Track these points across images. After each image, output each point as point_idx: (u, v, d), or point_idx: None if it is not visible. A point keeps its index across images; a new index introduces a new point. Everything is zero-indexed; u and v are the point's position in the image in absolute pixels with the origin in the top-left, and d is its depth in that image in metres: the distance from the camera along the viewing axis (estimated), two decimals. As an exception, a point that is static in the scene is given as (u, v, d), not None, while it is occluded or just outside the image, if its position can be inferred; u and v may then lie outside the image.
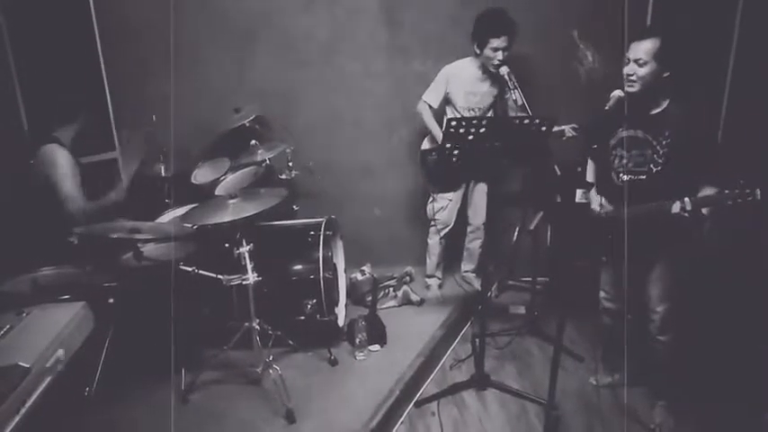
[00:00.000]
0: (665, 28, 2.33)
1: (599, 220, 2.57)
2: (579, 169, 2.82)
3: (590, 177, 2.73)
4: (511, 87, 3.01)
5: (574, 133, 3.14)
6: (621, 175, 2.47)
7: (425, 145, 3.62)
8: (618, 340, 2.84)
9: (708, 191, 2.23)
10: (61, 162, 2.79)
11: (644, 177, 2.40)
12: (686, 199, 2.22)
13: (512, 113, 3.36)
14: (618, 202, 2.47)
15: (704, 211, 2.25)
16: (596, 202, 2.60)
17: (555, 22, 3.74)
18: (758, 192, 2.08)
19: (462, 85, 3.39)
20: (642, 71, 2.28)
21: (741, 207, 2.11)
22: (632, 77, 2.31)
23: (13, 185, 2.95)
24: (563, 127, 3.13)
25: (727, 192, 2.14)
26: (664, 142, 2.32)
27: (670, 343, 2.53)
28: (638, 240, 2.39)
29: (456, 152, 2.47)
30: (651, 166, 2.37)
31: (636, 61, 2.29)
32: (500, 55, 3.17)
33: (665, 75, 2.29)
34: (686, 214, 2.23)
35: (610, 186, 2.54)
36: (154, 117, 3.43)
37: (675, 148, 2.31)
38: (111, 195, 2.98)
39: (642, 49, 2.27)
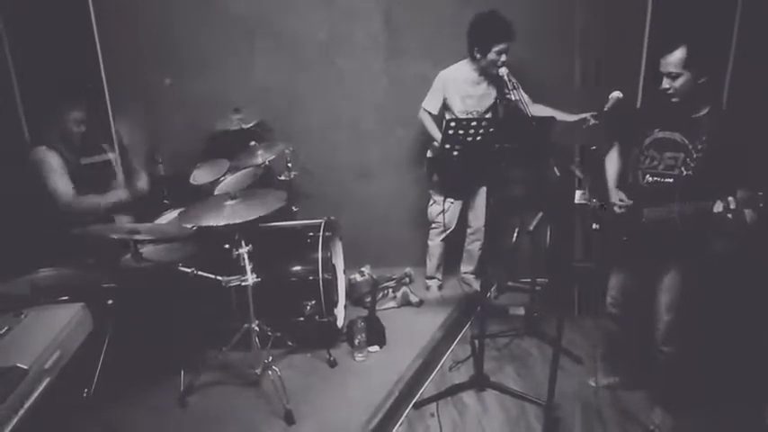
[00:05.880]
0: (690, 34, 2.28)
1: (616, 220, 2.53)
2: (577, 159, 2.80)
3: (610, 175, 2.66)
4: (510, 88, 3.01)
5: (595, 121, 3.09)
6: (648, 176, 2.45)
7: (430, 153, 3.62)
8: (620, 344, 2.84)
9: (740, 194, 2.17)
10: (50, 160, 2.86)
11: (671, 180, 2.38)
12: (729, 198, 2.16)
13: (513, 114, 3.35)
14: (639, 205, 2.45)
15: (747, 213, 2.16)
16: (615, 197, 2.54)
17: (552, 21, 3.75)
18: None
19: (459, 89, 3.38)
20: (677, 83, 2.26)
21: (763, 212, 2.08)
22: (670, 92, 2.30)
23: (12, 187, 2.95)
24: (584, 115, 3.11)
25: (761, 194, 2.08)
26: (699, 146, 2.30)
27: (673, 354, 2.52)
28: (654, 245, 2.38)
29: (455, 152, 2.47)
30: (683, 168, 2.35)
31: (668, 75, 2.27)
32: (503, 57, 3.16)
33: (702, 80, 2.25)
34: (730, 215, 2.17)
35: (633, 186, 2.50)
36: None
37: (710, 152, 2.28)
38: (119, 192, 3.11)
39: (672, 61, 2.25)
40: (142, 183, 3.26)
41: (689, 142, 2.33)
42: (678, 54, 2.24)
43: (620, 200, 2.52)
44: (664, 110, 2.40)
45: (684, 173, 2.34)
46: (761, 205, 2.10)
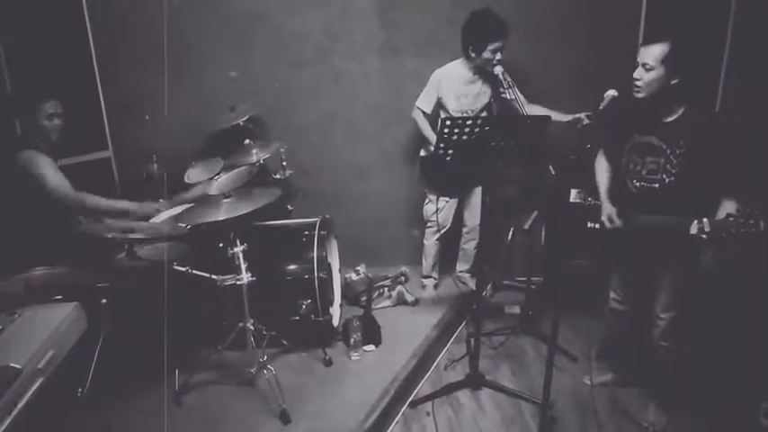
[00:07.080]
0: (677, 33, 2.25)
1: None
2: (573, 158, 2.79)
3: (601, 181, 2.62)
4: (506, 87, 3.01)
5: (589, 121, 3.08)
6: (634, 181, 2.42)
7: (423, 152, 3.62)
8: (621, 341, 2.84)
9: (728, 206, 2.14)
10: (41, 162, 2.76)
11: (656, 186, 2.34)
12: (705, 220, 2.14)
13: (508, 113, 3.35)
14: (630, 211, 2.42)
15: (724, 234, 2.14)
16: (606, 213, 2.50)
17: (548, 19, 3.75)
18: (761, 223, 2.03)
19: (453, 88, 3.38)
20: (648, 76, 2.23)
21: (744, 236, 2.06)
22: (638, 82, 2.27)
23: (4, 185, 2.92)
24: (578, 115, 3.11)
25: (731, 219, 2.08)
26: (678, 152, 2.26)
27: (671, 348, 2.53)
28: (650, 248, 2.37)
29: (450, 151, 2.47)
30: (664, 175, 2.31)
31: (643, 65, 2.24)
32: (499, 55, 3.16)
33: (674, 81, 2.22)
34: (704, 236, 2.15)
35: (623, 191, 2.48)
36: (147, 117, 3.42)
37: (690, 159, 2.24)
38: (125, 203, 2.98)
39: (650, 53, 2.22)
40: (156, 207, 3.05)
41: (666, 147, 2.29)
42: (659, 48, 2.21)
43: (609, 218, 2.47)
44: (636, 112, 2.39)
45: (667, 180, 2.31)
46: (732, 231, 2.07)
